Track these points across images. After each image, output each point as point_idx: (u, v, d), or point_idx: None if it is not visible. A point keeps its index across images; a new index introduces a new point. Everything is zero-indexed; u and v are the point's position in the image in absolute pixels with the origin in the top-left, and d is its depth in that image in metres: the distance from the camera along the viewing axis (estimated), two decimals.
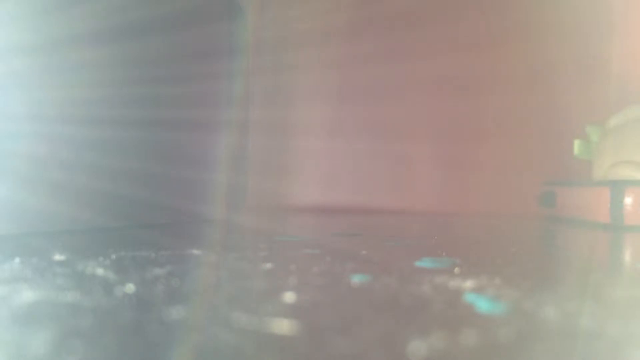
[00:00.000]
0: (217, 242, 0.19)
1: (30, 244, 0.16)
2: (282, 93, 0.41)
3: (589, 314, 0.08)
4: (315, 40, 0.40)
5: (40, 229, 0.19)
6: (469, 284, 0.10)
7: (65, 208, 0.20)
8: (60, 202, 0.19)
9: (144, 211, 0.23)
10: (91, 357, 0.06)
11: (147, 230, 0.22)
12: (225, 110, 0.28)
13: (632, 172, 0.24)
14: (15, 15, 0.18)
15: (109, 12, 0.21)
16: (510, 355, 0.06)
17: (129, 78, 0.22)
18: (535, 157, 0.37)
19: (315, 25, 0.39)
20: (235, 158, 0.29)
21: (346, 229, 0.24)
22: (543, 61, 0.37)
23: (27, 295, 0.09)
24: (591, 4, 0.24)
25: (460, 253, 0.16)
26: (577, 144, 0.29)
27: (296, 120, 0.41)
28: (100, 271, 0.11)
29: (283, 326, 0.07)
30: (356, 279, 0.11)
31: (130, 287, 0.10)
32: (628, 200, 0.23)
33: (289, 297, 0.09)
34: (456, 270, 0.12)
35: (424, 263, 0.13)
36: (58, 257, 0.13)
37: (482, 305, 0.09)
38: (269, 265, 0.12)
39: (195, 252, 0.15)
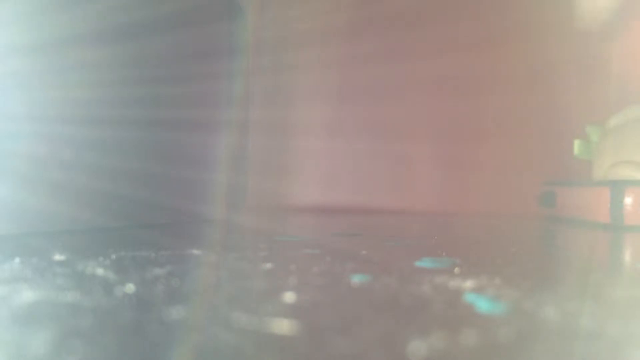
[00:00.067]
0: (217, 242, 0.19)
1: (30, 244, 0.16)
2: (282, 93, 0.41)
3: (589, 314, 0.08)
4: (315, 40, 0.40)
5: (40, 229, 0.19)
6: (469, 284, 0.10)
7: (65, 208, 0.20)
8: (60, 202, 0.19)
9: (144, 211, 0.23)
10: (91, 357, 0.06)
11: (147, 230, 0.22)
12: (225, 110, 0.28)
13: (632, 172, 0.24)
14: (15, 15, 0.18)
15: (109, 12, 0.21)
16: (510, 355, 0.06)
17: (129, 78, 0.22)
18: (535, 157, 0.37)
19: (315, 25, 0.39)
20: (235, 158, 0.29)
21: (346, 229, 0.24)
22: (543, 61, 0.37)
23: (27, 295, 0.09)
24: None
25: (460, 253, 0.16)
26: (577, 144, 0.29)
27: (296, 120, 0.41)
28: (100, 271, 0.11)
29: (283, 326, 0.07)
30: (356, 279, 0.11)
31: (130, 287, 0.10)
32: (628, 200, 0.23)
33: (289, 297, 0.09)
34: (456, 270, 0.12)
35: (424, 263, 0.13)
36: (58, 257, 0.13)
37: (482, 305, 0.09)
38: (269, 265, 0.12)
39: (195, 252, 0.15)
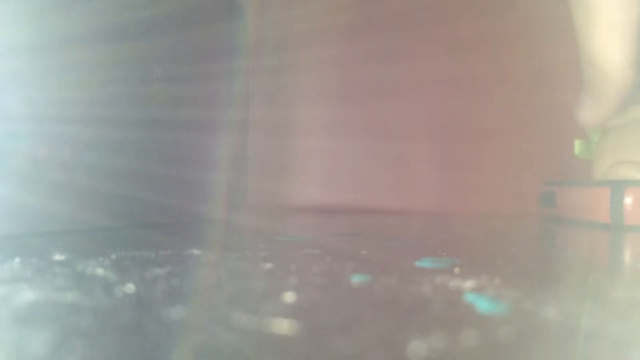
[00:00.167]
0: (217, 242, 0.19)
1: (30, 244, 0.16)
2: (282, 93, 0.41)
3: (589, 314, 0.08)
4: (315, 40, 0.40)
5: (40, 229, 0.19)
6: (469, 284, 0.10)
7: (65, 208, 0.20)
8: (60, 202, 0.19)
9: (144, 211, 0.23)
10: (91, 357, 0.06)
11: (147, 230, 0.22)
12: (225, 110, 0.28)
13: (633, 172, 0.24)
14: (15, 15, 0.18)
15: (109, 12, 0.21)
16: (510, 355, 0.06)
17: (129, 78, 0.22)
18: (535, 157, 0.37)
19: (315, 25, 0.39)
20: (235, 158, 0.29)
21: (346, 229, 0.24)
22: (543, 61, 0.37)
23: (27, 295, 0.09)
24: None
25: (460, 253, 0.16)
26: (577, 143, 0.29)
27: (296, 120, 0.41)
28: (100, 271, 0.11)
29: (283, 326, 0.07)
30: (356, 279, 0.11)
31: (130, 287, 0.10)
32: (628, 200, 0.23)
33: (289, 297, 0.09)
34: (456, 270, 0.12)
35: (424, 263, 0.13)
36: (58, 257, 0.13)
37: (482, 305, 0.09)
38: (269, 265, 0.12)
39: (195, 252, 0.15)
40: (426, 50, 0.39)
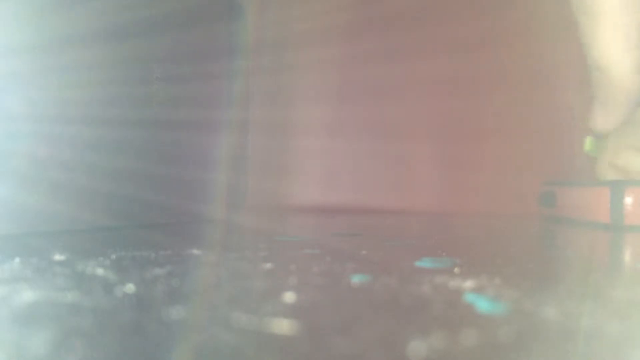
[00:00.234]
0: (217, 242, 0.19)
1: (30, 244, 0.16)
2: (282, 93, 0.41)
3: (589, 314, 0.08)
4: (315, 40, 0.40)
5: (40, 229, 0.19)
6: (469, 284, 0.10)
7: (65, 208, 0.20)
8: (60, 202, 0.19)
9: (144, 211, 0.23)
10: (91, 357, 0.06)
11: (147, 230, 0.22)
12: (225, 110, 0.28)
13: (634, 157, 0.24)
14: (15, 15, 0.18)
15: (109, 12, 0.21)
16: (510, 355, 0.06)
17: (129, 78, 0.22)
18: (535, 157, 0.37)
19: (315, 25, 0.39)
20: (235, 158, 0.29)
21: (346, 229, 0.24)
22: (543, 61, 0.37)
23: (27, 295, 0.09)
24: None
25: (460, 253, 0.16)
26: (588, 140, 0.29)
27: (296, 120, 0.41)
28: (100, 271, 0.11)
29: (283, 326, 0.07)
30: (356, 279, 0.11)
31: (130, 287, 0.10)
32: (628, 200, 0.23)
33: (289, 297, 0.09)
34: (456, 270, 0.12)
35: (424, 263, 0.13)
36: (58, 257, 0.13)
37: (482, 305, 0.09)
38: (269, 265, 0.12)
39: (195, 252, 0.15)
40: (426, 50, 0.39)
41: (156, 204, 0.23)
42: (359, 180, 0.40)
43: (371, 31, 0.40)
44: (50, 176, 0.19)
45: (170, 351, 0.06)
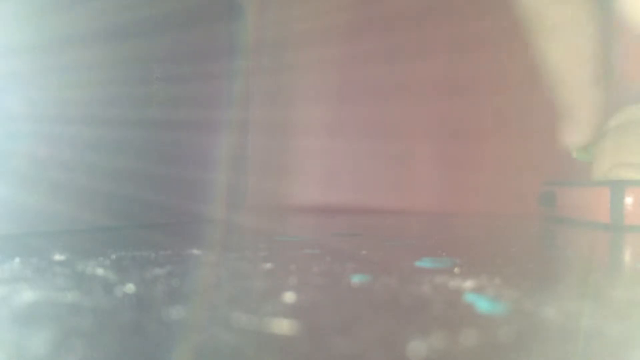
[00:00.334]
0: (217, 242, 0.19)
1: (30, 244, 0.16)
2: (282, 93, 0.41)
3: (589, 314, 0.08)
4: (315, 40, 0.40)
5: (40, 229, 0.19)
6: (469, 284, 0.10)
7: (65, 208, 0.20)
8: (60, 202, 0.19)
9: (144, 211, 0.23)
10: (91, 357, 0.06)
11: (147, 230, 0.22)
12: (225, 110, 0.28)
13: (633, 174, 0.24)
14: (15, 15, 0.18)
15: (109, 12, 0.21)
16: (510, 355, 0.06)
17: (129, 78, 0.22)
18: (535, 157, 0.37)
19: (315, 25, 0.39)
20: (235, 158, 0.29)
21: (346, 229, 0.24)
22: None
23: (27, 295, 0.09)
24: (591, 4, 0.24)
25: (460, 253, 0.16)
26: (575, 148, 0.29)
27: (296, 120, 0.41)
28: (100, 271, 0.11)
29: (283, 326, 0.07)
30: (356, 279, 0.11)
31: (130, 287, 0.10)
32: (628, 200, 0.23)
33: (289, 297, 0.09)
34: (456, 270, 0.12)
35: (424, 263, 0.13)
36: (58, 257, 0.13)
37: (482, 305, 0.09)
38: (269, 265, 0.12)
39: (195, 252, 0.15)
40: (426, 50, 0.39)
41: (156, 204, 0.23)
42: (359, 180, 0.40)
43: (371, 31, 0.40)
44: (50, 176, 0.19)
45: (170, 351, 0.06)
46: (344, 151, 0.40)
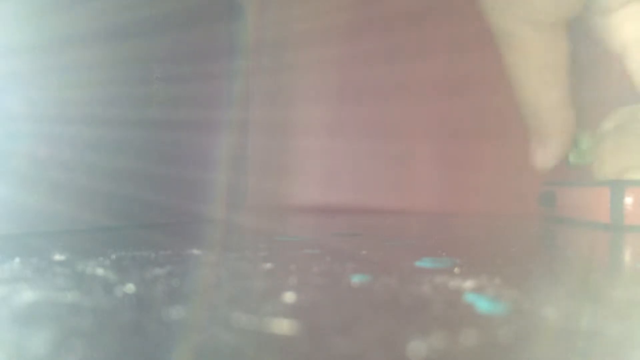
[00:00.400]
0: (217, 242, 0.19)
1: (30, 244, 0.16)
2: (282, 93, 0.41)
3: (589, 314, 0.08)
4: (315, 40, 0.40)
5: (40, 229, 0.19)
6: (469, 284, 0.10)
7: (65, 208, 0.20)
8: (60, 202, 0.19)
9: (144, 211, 0.23)
10: (91, 357, 0.06)
11: (147, 230, 0.22)
12: (225, 110, 0.28)
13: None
14: (15, 15, 0.18)
15: (109, 12, 0.21)
16: (510, 355, 0.06)
17: (128, 78, 0.22)
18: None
19: (315, 25, 0.39)
20: (235, 158, 0.29)
21: (346, 229, 0.24)
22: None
23: (27, 295, 0.09)
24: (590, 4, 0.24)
25: (460, 253, 0.16)
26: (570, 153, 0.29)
27: (296, 120, 0.41)
28: (100, 271, 0.11)
29: (283, 326, 0.07)
30: (356, 279, 0.11)
31: (130, 287, 0.10)
32: (628, 200, 0.23)
33: (289, 297, 0.09)
34: (456, 270, 0.12)
35: (424, 263, 0.13)
36: (58, 257, 0.13)
37: (482, 305, 0.09)
38: (269, 265, 0.12)
39: (195, 252, 0.15)
40: (426, 50, 0.39)
41: (156, 204, 0.23)
42: (359, 180, 0.40)
43: (371, 31, 0.40)
44: (50, 176, 0.19)
45: (170, 351, 0.06)
46: (344, 151, 0.40)
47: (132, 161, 0.22)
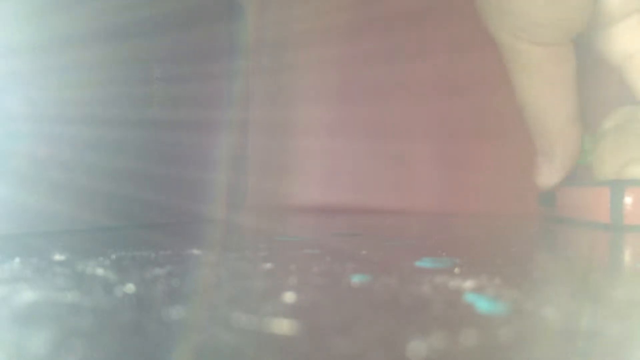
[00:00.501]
0: (217, 242, 0.19)
1: (30, 244, 0.16)
2: (282, 93, 0.41)
3: (589, 314, 0.08)
4: (315, 40, 0.40)
5: (40, 229, 0.19)
6: (469, 284, 0.10)
7: (65, 208, 0.20)
8: (60, 202, 0.19)
9: (144, 211, 0.23)
10: (91, 357, 0.06)
11: (147, 230, 0.22)
12: (225, 110, 0.28)
13: None
14: (15, 15, 0.18)
15: (109, 12, 0.21)
16: (510, 355, 0.06)
17: (128, 78, 0.22)
18: (535, 157, 0.37)
19: (315, 25, 0.39)
20: (235, 158, 0.29)
21: (346, 229, 0.24)
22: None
23: (27, 295, 0.09)
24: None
25: (460, 253, 0.16)
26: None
27: (296, 120, 0.41)
28: (100, 271, 0.11)
29: (283, 326, 0.07)
30: (356, 279, 0.11)
31: (130, 287, 0.10)
32: (628, 200, 0.23)
33: (289, 297, 0.09)
34: (456, 270, 0.12)
35: (424, 263, 0.13)
36: (58, 257, 0.13)
37: (482, 305, 0.09)
38: (269, 265, 0.12)
39: (195, 252, 0.15)
40: (426, 50, 0.39)
41: (156, 204, 0.23)
42: (359, 180, 0.40)
43: (371, 31, 0.40)
44: (50, 176, 0.19)
45: (170, 351, 0.06)
46: (344, 151, 0.40)
47: (132, 161, 0.22)
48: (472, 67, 0.38)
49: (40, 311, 0.08)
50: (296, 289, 0.10)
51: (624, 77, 0.25)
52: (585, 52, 0.28)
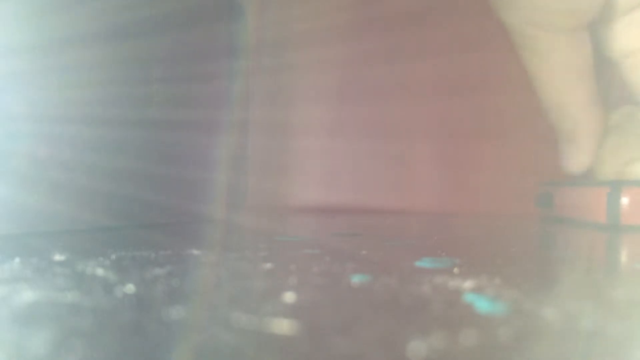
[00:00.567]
0: (217, 242, 0.19)
1: (30, 244, 0.16)
2: (282, 93, 0.41)
3: (589, 314, 0.08)
4: (315, 40, 0.40)
5: (40, 229, 0.19)
6: (469, 284, 0.10)
7: (65, 208, 0.20)
8: (60, 202, 0.19)
9: (144, 211, 0.23)
10: (91, 357, 0.06)
11: (147, 230, 0.22)
12: (225, 110, 0.28)
13: None
14: (15, 15, 0.18)
15: (109, 12, 0.21)
16: (510, 355, 0.06)
17: (128, 78, 0.22)
18: (535, 157, 0.37)
19: (315, 25, 0.39)
20: (235, 158, 0.29)
21: (346, 229, 0.24)
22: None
23: (27, 295, 0.09)
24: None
25: (460, 253, 0.16)
26: None
27: (296, 120, 0.41)
28: (100, 271, 0.11)
29: (283, 326, 0.07)
30: (356, 279, 0.11)
31: (130, 287, 0.10)
32: (625, 201, 0.23)
33: (289, 297, 0.09)
34: (456, 270, 0.12)
35: (424, 263, 0.13)
36: (58, 257, 0.13)
37: (482, 305, 0.09)
38: (269, 265, 0.12)
39: (195, 252, 0.15)
40: (426, 50, 0.39)
41: (156, 204, 0.23)
42: (359, 180, 0.40)
43: (371, 31, 0.40)
44: (50, 176, 0.19)
45: (170, 351, 0.06)
46: (344, 151, 0.40)
47: (132, 161, 0.22)
48: (472, 67, 0.38)
49: (40, 311, 0.08)
50: (296, 289, 0.10)
51: (624, 76, 0.25)
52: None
